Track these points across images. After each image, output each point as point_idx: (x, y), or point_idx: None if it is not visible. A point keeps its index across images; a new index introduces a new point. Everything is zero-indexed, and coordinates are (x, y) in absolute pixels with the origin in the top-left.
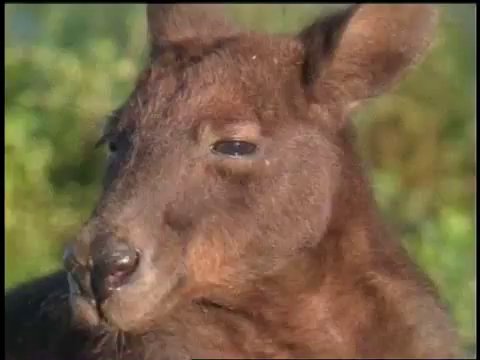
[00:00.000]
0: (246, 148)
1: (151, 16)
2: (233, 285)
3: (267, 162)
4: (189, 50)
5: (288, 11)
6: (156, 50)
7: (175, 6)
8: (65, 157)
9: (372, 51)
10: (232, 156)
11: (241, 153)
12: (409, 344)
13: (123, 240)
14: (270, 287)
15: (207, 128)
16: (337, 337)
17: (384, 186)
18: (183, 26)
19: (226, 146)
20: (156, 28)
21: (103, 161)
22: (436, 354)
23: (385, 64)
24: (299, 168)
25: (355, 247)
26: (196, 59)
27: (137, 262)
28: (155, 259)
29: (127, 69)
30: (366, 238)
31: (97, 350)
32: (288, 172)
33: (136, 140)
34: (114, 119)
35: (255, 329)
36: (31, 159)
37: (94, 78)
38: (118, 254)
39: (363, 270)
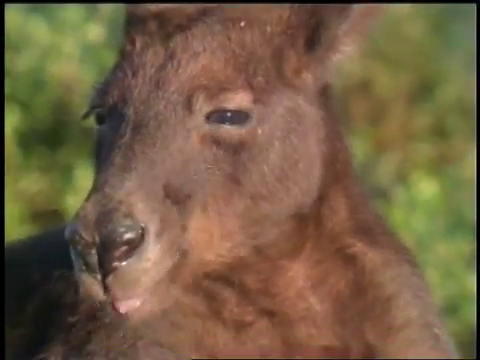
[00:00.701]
0: (239, 117)
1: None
2: (228, 259)
3: (259, 130)
4: (173, 19)
5: None
6: (135, 19)
7: None
8: (33, 121)
9: (368, 11)
10: (225, 125)
11: (234, 122)
12: (387, 313)
13: (128, 215)
14: (253, 253)
15: (201, 98)
16: (316, 305)
17: (354, 150)
18: None
19: (219, 116)
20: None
21: (72, 125)
22: (414, 323)
23: (368, 19)
24: (288, 135)
25: (335, 214)
26: (183, 27)
27: (142, 237)
28: (158, 234)
29: (96, 32)
30: (346, 205)
31: (74, 318)
32: (278, 139)
33: (130, 113)
34: (101, 91)
35: (235, 297)
36: None
37: (63, 41)
38: (124, 229)
39: (343, 238)
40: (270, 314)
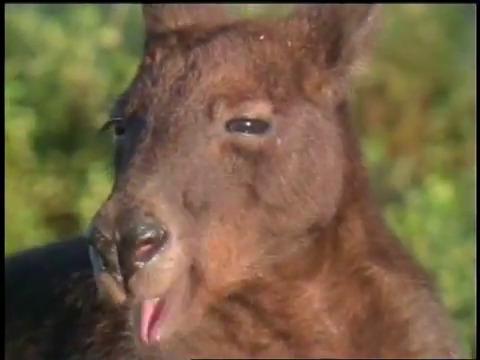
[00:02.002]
0: (258, 126)
1: (146, 3)
2: (250, 277)
3: (278, 140)
4: (193, 33)
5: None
6: (155, 36)
7: None
8: (48, 125)
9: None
10: (245, 134)
11: (253, 131)
12: (404, 338)
13: (150, 214)
14: (270, 272)
15: (222, 106)
16: (332, 328)
17: (369, 154)
18: (180, 14)
19: (239, 124)
20: (152, 15)
21: (87, 129)
22: (431, 348)
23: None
24: (306, 148)
25: (353, 236)
26: (203, 40)
27: (164, 237)
28: (179, 237)
29: (111, 36)
30: (362, 227)
31: (90, 338)
32: (297, 151)
33: (150, 119)
34: (121, 102)
35: (251, 318)
36: (14, 127)
37: (77, 45)
38: (145, 227)
39: (360, 260)
40: (286, 336)
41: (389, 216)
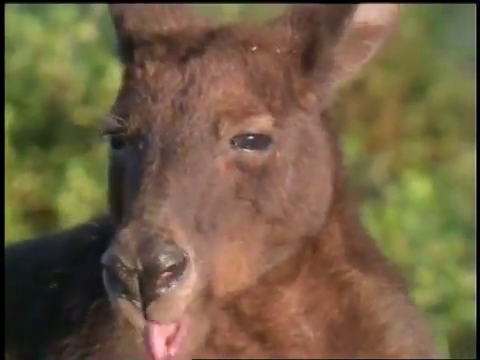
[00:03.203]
0: (261, 141)
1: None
2: (246, 286)
3: (278, 154)
4: (182, 43)
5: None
6: (140, 42)
7: None
8: (26, 120)
9: (369, 32)
10: (248, 150)
11: (256, 147)
12: (381, 342)
13: (170, 242)
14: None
15: (227, 123)
16: (309, 332)
17: (347, 150)
18: (162, 15)
19: (242, 140)
20: (133, 17)
21: (65, 124)
22: (407, 352)
23: (369, 39)
24: (300, 157)
25: (331, 239)
26: (196, 51)
27: (183, 264)
28: (196, 262)
29: (88, 32)
30: (340, 229)
31: (67, 339)
32: (292, 162)
33: (156, 139)
34: (120, 115)
35: (228, 322)
36: None
37: (56, 41)
38: (167, 256)
39: (338, 263)
40: (262, 339)
41: (367, 212)
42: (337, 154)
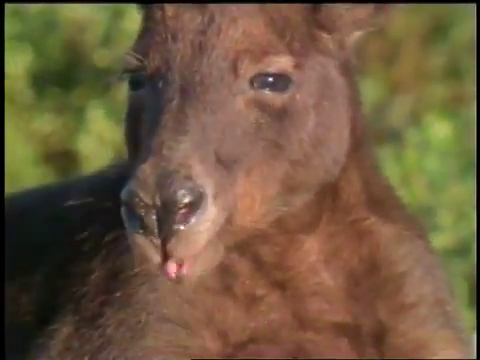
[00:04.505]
0: (281, 81)
1: None
2: (260, 224)
3: (298, 96)
4: None
5: None
6: None
7: None
8: (46, 62)
9: None
10: (268, 91)
11: (276, 87)
12: (400, 290)
13: (188, 177)
14: (274, 224)
15: (246, 62)
16: (329, 280)
17: (368, 92)
18: None
19: (262, 80)
20: None
21: (84, 66)
22: (426, 300)
23: None
24: (321, 101)
25: (350, 186)
26: None
27: (200, 199)
28: (215, 196)
29: None
30: (359, 177)
31: (85, 288)
32: (313, 106)
33: (175, 78)
34: (140, 54)
35: (248, 269)
36: (12, 64)
37: None
38: (185, 191)
39: (357, 210)
40: (282, 287)
41: (388, 154)
42: (356, 102)
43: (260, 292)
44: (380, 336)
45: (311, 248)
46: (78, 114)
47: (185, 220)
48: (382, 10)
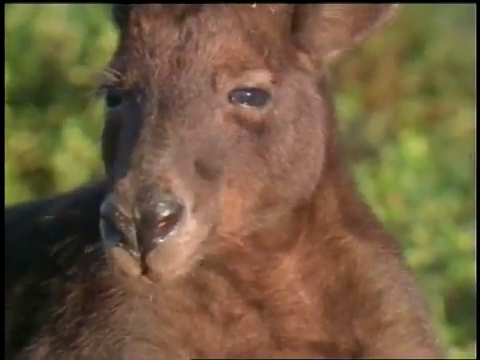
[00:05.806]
0: (259, 96)
1: None
2: (237, 237)
3: (276, 111)
4: (177, 1)
5: None
6: (134, 2)
7: None
8: (22, 79)
9: None
10: (246, 105)
11: (254, 102)
12: (377, 309)
13: (167, 191)
14: (251, 242)
15: (224, 76)
16: (306, 299)
17: (343, 109)
18: None
19: (240, 95)
20: None
21: (61, 83)
22: (403, 319)
23: (368, 12)
24: (299, 117)
25: (327, 204)
26: (192, 10)
27: (180, 212)
28: (194, 210)
29: None
30: (335, 195)
31: (62, 308)
32: (292, 122)
33: (154, 93)
34: (118, 70)
35: (226, 288)
36: None
37: None
38: (164, 205)
39: (334, 229)
40: (259, 306)
41: (363, 171)
42: (332, 120)
43: (237, 311)
44: (357, 354)
45: (289, 267)
46: (54, 132)
47: (164, 233)
48: (361, 31)
